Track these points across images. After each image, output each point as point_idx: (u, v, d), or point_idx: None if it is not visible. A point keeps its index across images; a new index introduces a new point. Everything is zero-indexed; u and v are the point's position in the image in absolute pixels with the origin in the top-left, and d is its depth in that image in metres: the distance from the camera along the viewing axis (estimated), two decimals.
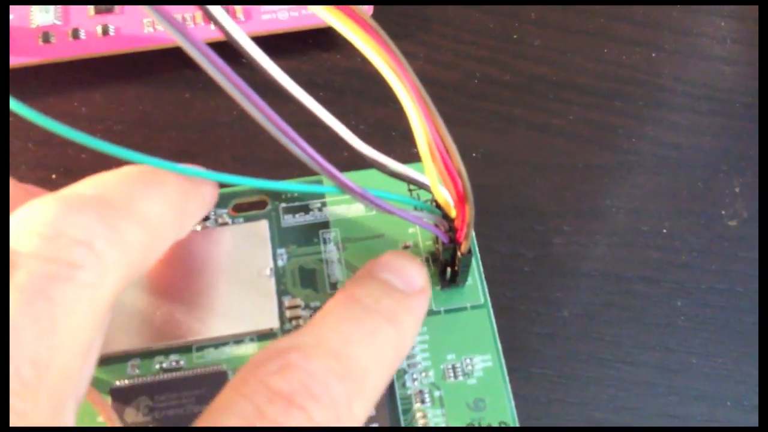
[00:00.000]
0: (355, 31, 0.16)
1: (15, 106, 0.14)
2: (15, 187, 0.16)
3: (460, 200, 0.17)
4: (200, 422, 0.13)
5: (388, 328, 0.15)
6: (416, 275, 0.17)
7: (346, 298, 0.16)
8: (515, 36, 0.24)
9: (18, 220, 0.13)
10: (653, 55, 0.24)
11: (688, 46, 0.24)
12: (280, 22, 0.23)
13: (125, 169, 0.15)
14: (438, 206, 0.18)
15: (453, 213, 0.18)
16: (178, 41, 0.14)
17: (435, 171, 0.17)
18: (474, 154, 0.22)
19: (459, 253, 0.18)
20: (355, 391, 0.14)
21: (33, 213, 0.13)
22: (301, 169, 0.20)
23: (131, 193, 0.14)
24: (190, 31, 0.13)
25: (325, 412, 0.13)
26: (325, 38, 0.24)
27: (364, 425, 0.18)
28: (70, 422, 0.13)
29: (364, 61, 0.24)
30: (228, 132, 0.22)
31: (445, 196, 0.17)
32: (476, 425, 0.18)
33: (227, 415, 0.13)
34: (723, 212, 0.21)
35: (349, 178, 0.16)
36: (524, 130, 0.23)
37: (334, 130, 0.16)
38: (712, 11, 0.25)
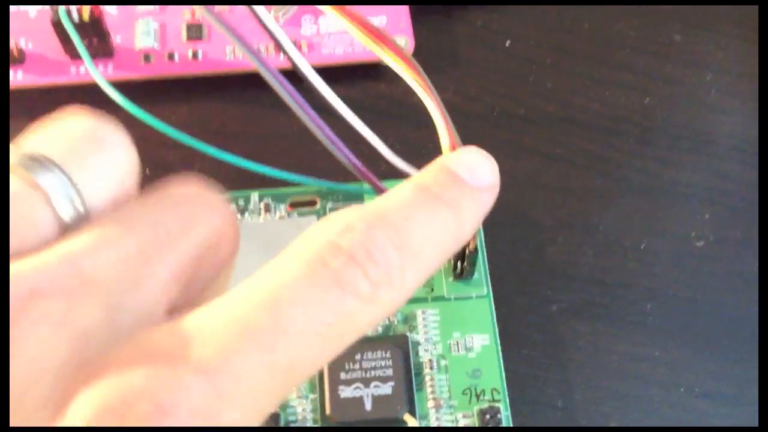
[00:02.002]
0: (401, 65, 0.21)
1: (137, 111, 0.19)
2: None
3: None
4: (269, 264, 0.13)
5: (448, 214, 0.15)
6: (487, 172, 0.17)
7: (413, 184, 0.16)
8: (531, 78, 0.29)
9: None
10: (646, 100, 0.28)
11: (676, 94, 0.28)
12: (336, 56, 0.28)
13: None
14: None
15: None
16: (255, 66, 0.18)
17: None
18: None
19: (468, 251, 0.23)
20: (409, 262, 0.14)
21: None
22: (345, 176, 0.24)
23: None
24: (265, 58, 0.18)
25: (380, 273, 0.13)
26: (373, 70, 0.29)
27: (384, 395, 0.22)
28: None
29: (403, 91, 0.29)
30: (289, 142, 0.27)
31: None
32: (472, 390, 0.23)
33: (291, 258, 0.13)
34: (693, 234, 0.26)
35: (384, 185, 0.20)
36: (531, 155, 0.27)
37: (375, 146, 0.21)
38: (700, 65, 0.29)
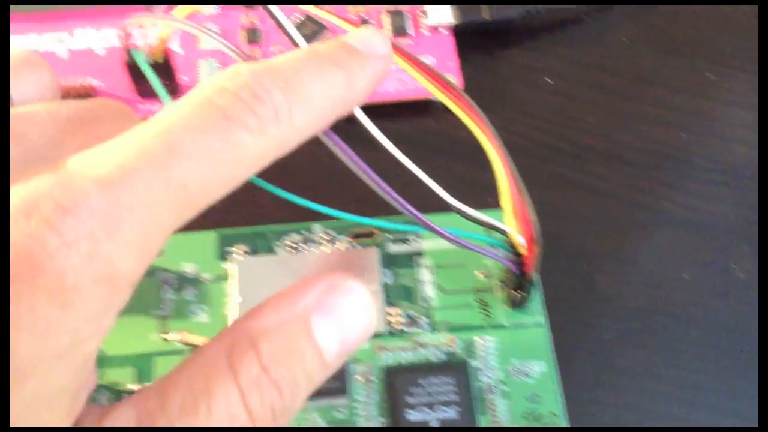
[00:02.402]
0: (456, 104, 0.23)
1: None
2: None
3: (531, 242, 0.23)
4: (162, 110, 0.15)
5: (338, 72, 0.16)
6: (378, 43, 0.17)
7: (306, 48, 0.17)
8: (574, 114, 0.30)
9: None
10: (683, 135, 0.30)
11: (712, 129, 0.30)
12: (389, 93, 0.30)
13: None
14: (510, 245, 0.24)
15: (522, 251, 0.24)
16: None
17: (513, 218, 0.23)
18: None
19: (525, 281, 0.24)
20: (296, 103, 0.15)
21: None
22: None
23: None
24: None
25: (266, 109, 0.15)
26: (423, 107, 0.30)
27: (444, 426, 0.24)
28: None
29: (451, 125, 0.31)
30: (349, 178, 0.29)
31: (518, 239, 0.23)
32: (532, 413, 0.24)
33: (181, 103, 0.15)
34: (733, 265, 0.27)
35: (436, 219, 0.21)
36: (577, 189, 0.29)
37: (425, 182, 0.22)
38: (733, 102, 0.31)
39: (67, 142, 0.16)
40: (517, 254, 0.24)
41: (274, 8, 0.18)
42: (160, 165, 0.14)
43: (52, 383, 0.13)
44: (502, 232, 0.24)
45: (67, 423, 0.14)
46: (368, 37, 0.17)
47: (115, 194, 0.13)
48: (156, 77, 0.25)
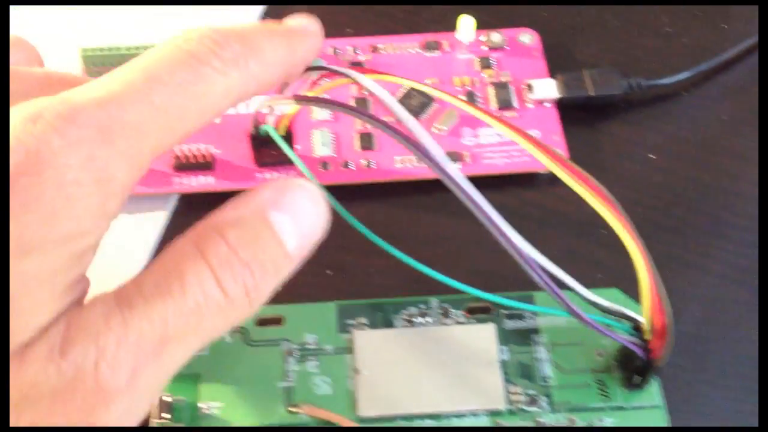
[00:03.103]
0: (572, 176, 0.23)
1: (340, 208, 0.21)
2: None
3: (663, 332, 0.23)
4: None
5: (282, 39, 0.20)
6: (311, 24, 0.22)
7: (257, 23, 0.21)
8: (677, 190, 0.31)
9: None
10: None
11: None
12: (497, 166, 0.30)
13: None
14: (636, 329, 0.24)
15: (649, 336, 0.24)
16: (439, 175, 0.20)
17: (648, 305, 0.23)
18: None
19: (651, 368, 0.24)
20: (251, 54, 0.18)
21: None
22: (514, 285, 0.26)
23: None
24: (450, 169, 0.20)
25: (228, 54, 0.18)
26: (527, 179, 0.31)
27: None
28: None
29: (556, 198, 0.31)
30: (457, 246, 0.29)
31: (647, 325, 0.24)
32: None
33: (149, 53, 0.17)
34: None
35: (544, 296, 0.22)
36: (685, 267, 0.29)
37: (541, 261, 0.23)
38: None
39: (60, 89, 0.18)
40: (643, 340, 0.24)
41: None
42: (143, 91, 0.16)
43: (51, 263, 0.15)
44: (630, 318, 0.24)
45: (58, 305, 0.15)
46: (303, 20, 0.21)
47: (108, 110, 0.16)
48: (289, 148, 0.26)
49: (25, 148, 0.15)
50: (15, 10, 0.31)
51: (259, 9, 0.34)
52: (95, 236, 0.16)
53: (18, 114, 0.15)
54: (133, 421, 0.16)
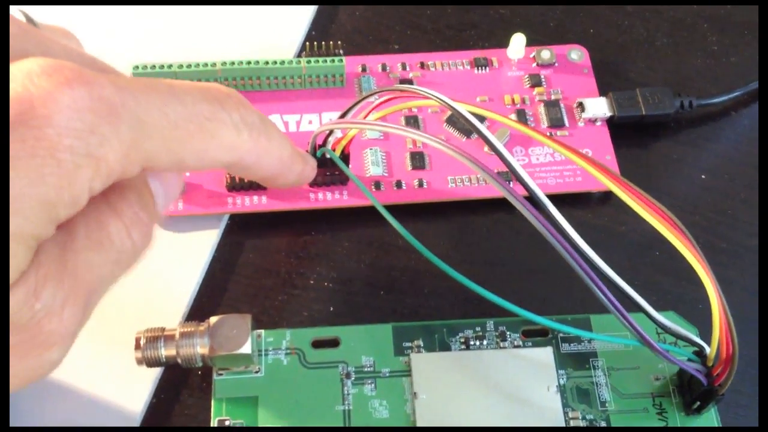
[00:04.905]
0: (631, 196, 0.23)
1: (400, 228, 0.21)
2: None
3: (729, 360, 0.23)
4: None
5: (286, 153, 0.22)
6: (309, 168, 0.24)
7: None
8: (729, 212, 0.31)
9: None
10: None
11: None
12: (549, 185, 0.30)
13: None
14: (698, 354, 0.24)
15: (711, 363, 0.24)
16: (503, 194, 0.21)
17: (717, 334, 0.23)
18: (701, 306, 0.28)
19: (714, 395, 0.24)
20: (266, 131, 0.20)
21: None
22: (570, 307, 0.26)
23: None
24: (511, 187, 0.21)
25: (249, 116, 0.19)
26: (578, 199, 0.31)
27: None
28: None
29: (609, 219, 0.31)
30: (509, 268, 0.29)
31: (713, 353, 0.24)
32: None
33: (187, 84, 0.18)
34: None
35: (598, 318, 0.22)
36: (739, 291, 0.29)
37: (617, 281, 0.23)
38: None
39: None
40: (707, 366, 0.24)
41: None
42: (162, 99, 0.17)
43: (28, 224, 0.15)
44: (695, 343, 0.24)
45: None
46: (308, 162, 0.24)
47: (123, 95, 0.15)
48: (347, 168, 0.26)
49: (33, 98, 0.14)
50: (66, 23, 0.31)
51: (311, 9, 0.34)
52: (74, 209, 0.15)
53: (36, 64, 0.15)
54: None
